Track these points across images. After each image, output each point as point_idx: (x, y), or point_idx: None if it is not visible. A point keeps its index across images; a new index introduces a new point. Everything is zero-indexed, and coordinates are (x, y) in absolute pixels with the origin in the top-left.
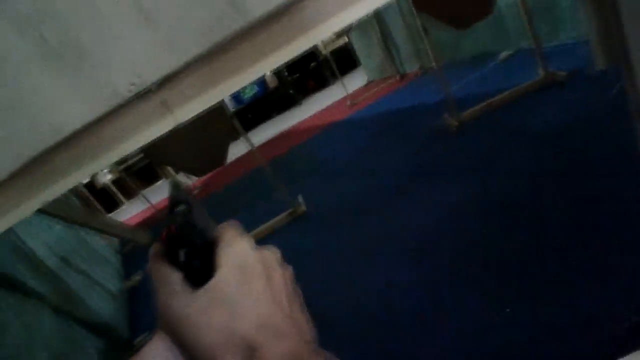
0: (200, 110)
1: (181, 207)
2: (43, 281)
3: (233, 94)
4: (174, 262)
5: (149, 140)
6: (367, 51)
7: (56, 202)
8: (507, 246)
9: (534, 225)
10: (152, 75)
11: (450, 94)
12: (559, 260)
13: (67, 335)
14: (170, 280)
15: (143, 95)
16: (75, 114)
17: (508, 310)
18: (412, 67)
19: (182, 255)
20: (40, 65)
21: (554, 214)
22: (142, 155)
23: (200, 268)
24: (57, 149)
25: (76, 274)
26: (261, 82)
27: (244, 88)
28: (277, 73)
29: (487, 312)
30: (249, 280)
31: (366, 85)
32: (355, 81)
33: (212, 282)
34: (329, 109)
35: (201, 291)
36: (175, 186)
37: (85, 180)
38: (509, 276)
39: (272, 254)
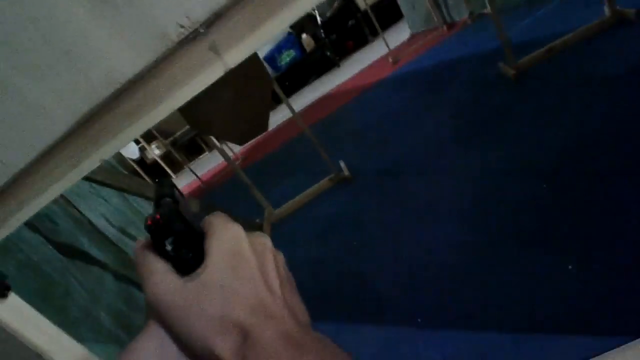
0: (249, 53)
1: (167, 200)
2: (104, 250)
3: (270, 61)
4: (162, 253)
5: (200, 89)
6: (412, 1)
7: (112, 173)
8: (568, 204)
9: (601, 182)
10: (200, 14)
11: (507, 39)
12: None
13: (127, 297)
14: (157, 269)
15: (192, 38)
16: (125, 62)
17: (570, 267)
18: (460, 15)
19: (168, 244)
20: (86, 9)
21: (625, 169)
22: (187, 128)
23: (189, 257)
24: (110, 102)
25: (133, 242)
26: (298, 46)
27: (281, 53)
28: (314, 35)
29: (548, 270)
30: (240, 265)
31: (410, 39)
32: (397, 36)
33: (202, 268)
34: (370, 68)
35: (190, 277)
36: (161, 183)
37: (135, 156)
38: (570, 234)
39: (263, 239)
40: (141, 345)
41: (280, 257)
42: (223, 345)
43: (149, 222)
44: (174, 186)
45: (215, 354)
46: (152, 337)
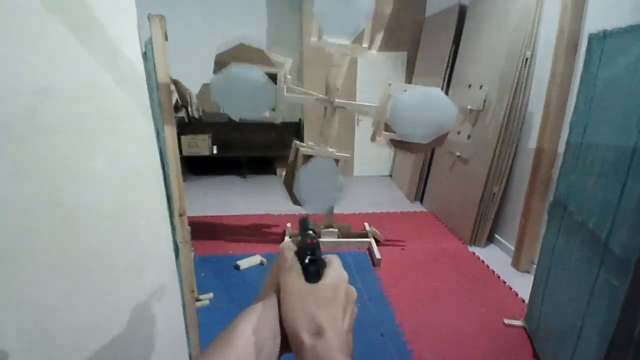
0: None
1: (311, 232)
2: None
3: None
4: (300, 261)
5: None
6: None
7: None
8: None
9: None
10: None
11: None
12: None
13: None
14: (295, 267)
15: None
16: None
17: None
18: None
19: (307, 259)
20: None
21: None
22: None
23: (314, 272)
24: None
25: None
26: None
27: None
28: None
29: None
30: (337, 295)
31: None
32: None
33: (319, 284)
34: None
35: (310, 285)
36: (306, 220)
37: None
38: None
39: (354, 292)
40: (266, 303)
41: (356, 309)
42: (305, 336)
43: (308, 241)
44: (312, 224)
45: (299, 336)
46: (273, 303)
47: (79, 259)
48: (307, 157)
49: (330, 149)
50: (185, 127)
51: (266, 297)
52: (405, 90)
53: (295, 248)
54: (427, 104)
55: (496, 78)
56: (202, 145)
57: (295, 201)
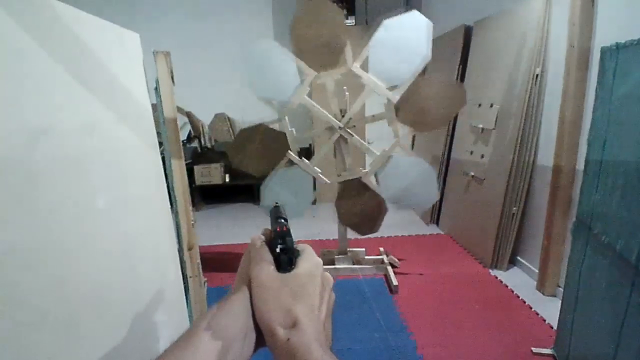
0: None
1: (282, 220)
2: None
3: None
4: (271, 250)
5: None
6: None
7: None
8: None
9: None
10: None
11: None
12: None
13: None
14: (267, 259)
15: None
16: None
17: None
18: None
19: (278, 248)
20: None
21: None
22: None
23: (285, 261)
24: None
25: None
26: None
27: None
28: None
29: None
30: (311, 282)
31: None
32: None
33: (292, 274)
34: None
35: (283, 275)
36: (278, 207)
37: None
38: None
39: (330, 277)
40: (235, 299)
41: (333, 296)
42: (279, 330)
43: (278, 229)
44: (284, 212)
45: (273, 330)
46: (244, 297)
47: (81, 301)
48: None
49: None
50: (199, 157)
51: (234, 292)
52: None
53: (264, 238)
54: (412, 181)
55: (507, 96)
56: (215, 174)
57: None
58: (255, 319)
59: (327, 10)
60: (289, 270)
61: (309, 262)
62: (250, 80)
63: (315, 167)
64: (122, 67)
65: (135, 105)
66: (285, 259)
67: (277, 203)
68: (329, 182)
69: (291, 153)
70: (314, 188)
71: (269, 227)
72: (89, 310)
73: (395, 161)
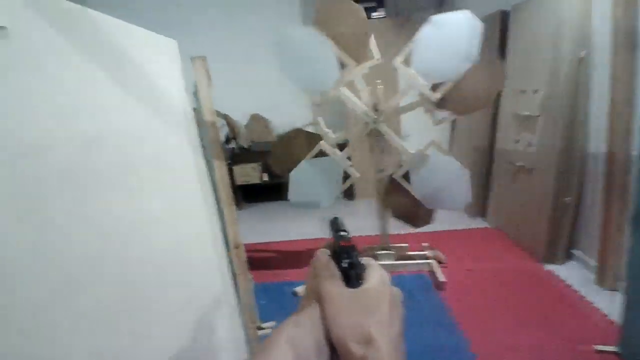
0: None
1: (344, 233)
2: None
3: None
4: (338, 266)
5: None
6: None
7: None
8: None
9: None
10: None
11: None
12: None
13: None
14: (334, 273)
15: None
16: None
17: None
18: None
19: (345, 263)
20: None
21: None
22: None
23: (353, 276)
24: None
25: None
26: None
27: None
28: None
29: None
30: (382, 298)
31: None
32: None
33: (361, 289)
34: None
35: (352, 290)
36: (337, 219)
37: None
38: None
39: (399, 291)
40: (306, 314)
41: (403, 311)
42: (354, 347)
43: (342, 244)
44: (343, 224)
45: (348, 347)
46: (315, 313)
47: (141, 298)
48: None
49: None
50: (237, 157)
51: (306, 308)
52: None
53: (329, 252)
54: (445, 181)
55: (551, 81)
56: (253, 174)
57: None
58: (328, 335)
59: (346, 10)
60: (358, 286)
61: (376, 276)
62: (285, 68)
63: (347, 161)
64: (163, 74)
65: (178, 111)
66: (354, 274)
67: (336, 216)
68: (358, 175)
69: (324, 143)
70: (343, 180)
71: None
72: (147, 307)
73: (429, 160)
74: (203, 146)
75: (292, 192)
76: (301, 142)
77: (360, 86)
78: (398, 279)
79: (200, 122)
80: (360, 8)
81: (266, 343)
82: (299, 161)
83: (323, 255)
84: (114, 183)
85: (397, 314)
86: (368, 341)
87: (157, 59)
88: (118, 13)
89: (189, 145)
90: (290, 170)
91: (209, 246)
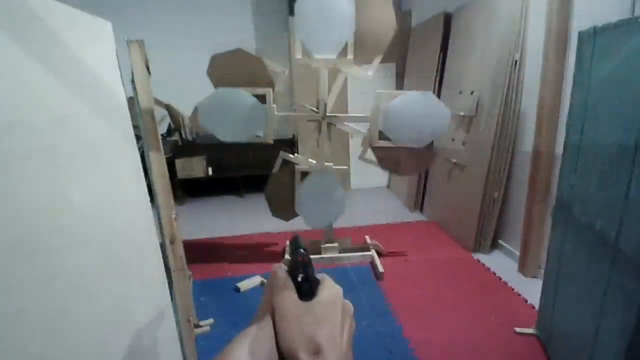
0: None
1: (302, 251)
2: None
3: None
4: (293, 279)
5: None
6: None
7: None
8: None
9: None
10: None
11: None
12: None
13: None
14: (290, 287)
15: None
16: None
17: None
18: None
19: (300, 277)
20: None
21: None
22: None
23: (307, 290)
24: None
25: None
26: None
27: None
28: None
29: None
30: (334, 311)
31: None
32: None
33: (314, 302)
34: None
35: (305, 303)
36: (297, 238)
37: None
38: None
39: (350, 306)
40: (259, 326)
41: (354, 323)
42: (304, 357)
43: (300, 258)
44: (303, 242)
45: (298, 357)
46: (267, 325)
47: (61, 297)
48: (305, 174)
49: (327, 163)
50: (180, 150)
51: (260, 319)
52: (396, 97)
53: (286, 268)
54: (419, 108)
55: (487, 83)
56: (198, 167)
57: (276, 214)
58: (279, 346)
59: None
60: (311, 299)
61: (329, 290)
62: (217, 133)
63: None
64: (94, 58)
65: (109, 97)
66: (307, 287)
67: (295, 234)
68: (346, 167)
69: (284, 153)
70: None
71: (256, 229)
72: (70, 305)
73: (399, 101)
74: (138, 136)
75: (305, 217)
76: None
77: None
78: (341, 271)
79: (135, 111)
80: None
81: (222, 358)
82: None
83: (280, 270)
84: (32, 170)
85: (348, 326)
86: (317, 351)
87: (87, 40)
88: None
89: (120, 134)
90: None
91: (140, 241)
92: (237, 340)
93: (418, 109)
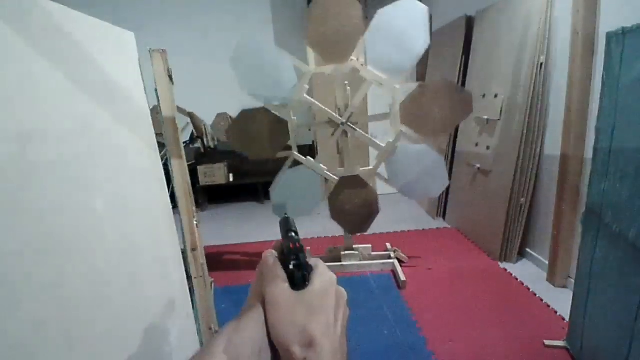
0: None
1: (293, 234)
2: None
3: None
4: (284, 267)
5: None
6: None
7: None
8: None
9: None
10: None
11: None
12: None
13: None
14: (279, 275)
15: None
16: None
17: None
18: None
19: (291, 264)
20: None
21: None
22: None
23: (299, 278)
24: None
25: None
26: None
27: None
28: None
29: None
30: (327, 299)
31: None
32: None
33: (306, 291)
34: None
35: (297, 292)
36: (287, 219)
37: None
38: None
39: (344, 292)
40: (249, 317)
41: (348, 311)
42: (296, 349)
43: (291, 245)
44: (294, 224)
45: (290, 350)
46: (258, 315)
47: (80, 303)
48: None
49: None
50: (202, 157)
51: (249, 310)
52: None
53: (276, 254)
54: (422, 170)
55: (511, 86)
56: (219, 174)
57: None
58: (270, 337)
59: (344, 4)
60: (303, 287)
61: (322, 278)
62: (242, 80)
63: (321, 165)
64: (118, 67)
65: (132, 106)
66: (300, 275)
67: (286, 214)
68: (336, 178)
69: (296, 153)
70: (323, 187)
71: (267, 225)
72: (88, 313)
73: (403, 150)
74: (162, 144)
75: (275, 203)
76: (263, 122)
77: (338, 87)
78: (362, 279)
79: (159, 119)
80: (357, 4)
81: (200, 353)
82: (256, 139)
83: (270, 257)
84: (57, 177)
85: (342, 315)
86: (310, 343)
87: (111, 50)
88: (72, 3)
89: (143, 142)
90: (244, 145)
91: (160, 247)
92: (220, 333)
93: (420, 170)
